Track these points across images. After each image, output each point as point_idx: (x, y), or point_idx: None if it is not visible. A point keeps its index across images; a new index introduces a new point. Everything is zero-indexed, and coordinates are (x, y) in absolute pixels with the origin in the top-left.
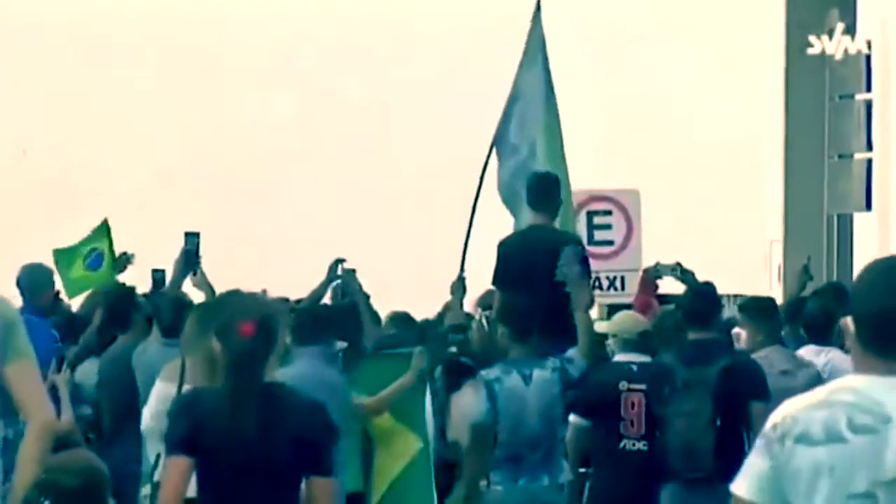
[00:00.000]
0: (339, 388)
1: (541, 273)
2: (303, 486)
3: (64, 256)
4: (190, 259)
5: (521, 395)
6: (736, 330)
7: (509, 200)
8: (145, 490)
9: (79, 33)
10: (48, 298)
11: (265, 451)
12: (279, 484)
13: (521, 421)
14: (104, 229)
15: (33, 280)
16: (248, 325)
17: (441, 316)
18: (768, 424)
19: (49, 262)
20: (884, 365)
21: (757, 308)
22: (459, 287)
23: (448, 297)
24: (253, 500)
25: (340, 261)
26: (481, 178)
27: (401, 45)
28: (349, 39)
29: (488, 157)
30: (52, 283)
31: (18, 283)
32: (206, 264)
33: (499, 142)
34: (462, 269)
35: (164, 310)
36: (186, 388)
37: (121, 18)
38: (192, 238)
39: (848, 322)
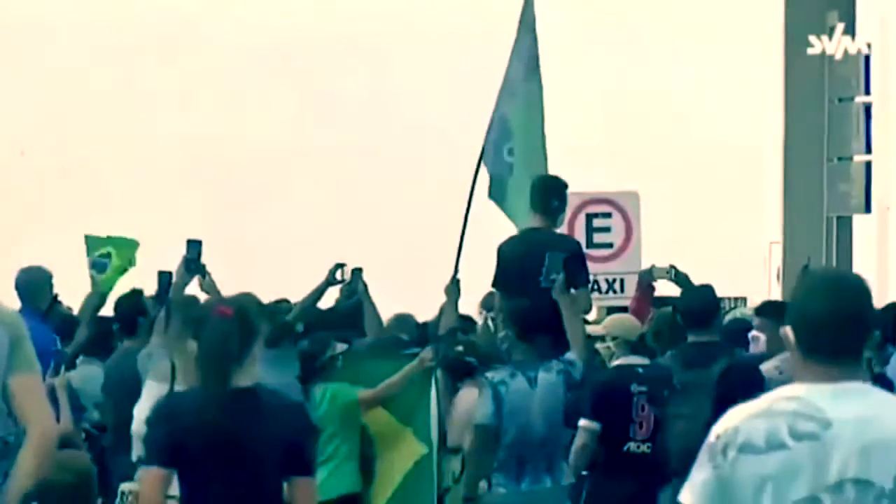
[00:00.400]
0: (292, 392)
1: (539, 276)
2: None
3: (90, 244)
4: (190, 267)
5: (527, 397)
6: (754, 333)
7: (495, 191)
8: (127, 486)
9: (78, 34)
10: (46, 301)
11: (248, 453)
12: (262, 485)
13: (528, 423)
14: (131, 248)
15: (32, 283)
16: (225, 308)
17: (438, 318)
18: (711, 436)
19: (47, 264)
20: (825, 372)
21: (776, 311)
22: (454, 289)
23: (441, 300)
24: (236, 501)
25: (340, 265)
26: (474, 178)
27: (401, 45)
28: (349, 39)
29: (481, 155)
30: (51, 286)
31: (17, 286)
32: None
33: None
34: (456, 271)
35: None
36: (178, 388)
37: (120, 19)
38: (194, 246)
39: (788, 332)
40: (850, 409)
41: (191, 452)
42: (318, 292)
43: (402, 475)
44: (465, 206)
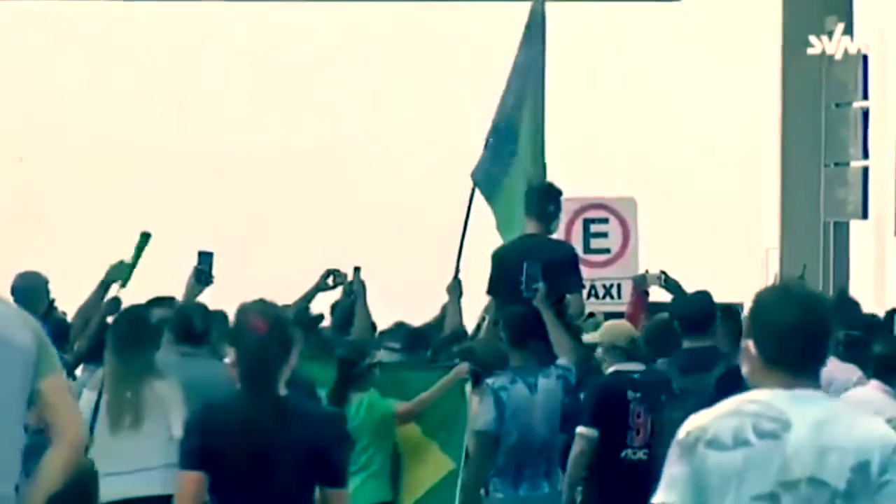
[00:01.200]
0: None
1: (532, 283)
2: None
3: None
4: (201, 278)
5: (528, 403)
6: None
7: (484, 184)
8: None
9: (77, 40)
10: (43, 307)
11: (279, 461)
12: (293, 494)
13: (529, 429)
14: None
15: (28, 288)
16: (260, 322)
17: (441, 318)
18: (681, 434)
19: (45, 269)
20: (787, 379)
21: (727, 316)
22: (456, 288)
23: (443, 300)
24: None
25: (332, 272)
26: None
27: (401, 45)
28: (349, 39)
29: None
30: (48, 291)
31: (13, 291)
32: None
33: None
34: (457, 271)
35: (195, 318)
36: (105, 397)
37: (119, 25)
38: (206, 257)
39: (749, 344)
40: (808, 413)
41: (223, 458)
42: (307, 298)
43: (426, 489)
44: (467, 204)
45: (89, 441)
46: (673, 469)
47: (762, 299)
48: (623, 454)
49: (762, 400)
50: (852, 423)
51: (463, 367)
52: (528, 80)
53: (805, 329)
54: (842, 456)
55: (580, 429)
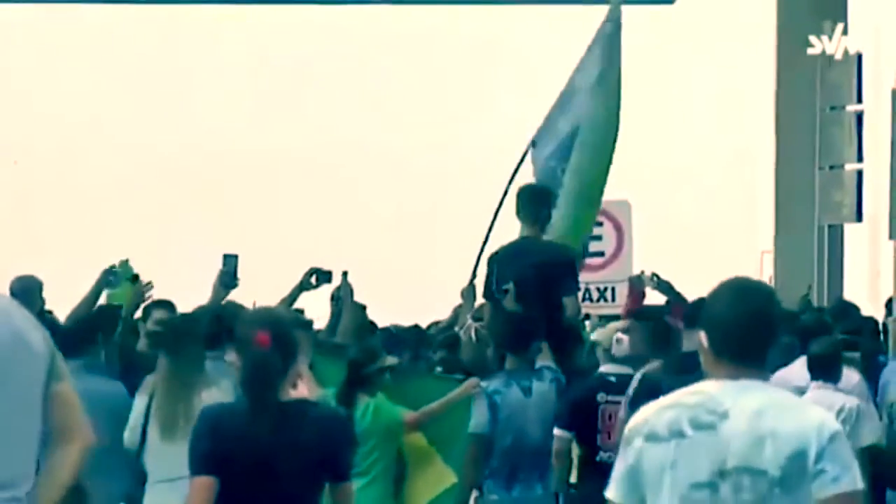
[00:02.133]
0: (118, 398)
1: (531, 286)
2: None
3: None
4: (226, 281)
5: (522, 407)
6: (619, 335)
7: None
8: None
9: (73, 43)
10: (36, 309)
11: (286, 465)
12: (300, 496)
13: (523, 432)
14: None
15: (25, 291)
16: (264, 335)
17: (453, 319)
18: (626, 430)
19: (40, 273)
20: (732, 369)
21: (649, 316)
22: (470, 293)
23: (442, 300)
24: None
25: (315, 271)
26: (509, 182)
27: (402, 47)
28: (350, 41)
29: (521, 159)
30: (41, 294)
31: (12, 293)
32: (208, 277)
33: (542, 133)
34: (474, 276)
35: (204, 322)
36: (156, 403)
37: (115, 30)
38: (230, 259)
39: (702, 337)
40: (747, 403)
41: (231, 463)
42: (292, 297)
43: (426, 501)
44: (495, 210)
45: (140, 446)
46: (618, 464)
47: (713, 294)
48: (598, 457)
49: (705, 391)
50: (791, 412)
51: (473, 381)
52: (603, 86)
53: (746, 320)
54: (778, 444)
55: (555, 430)
